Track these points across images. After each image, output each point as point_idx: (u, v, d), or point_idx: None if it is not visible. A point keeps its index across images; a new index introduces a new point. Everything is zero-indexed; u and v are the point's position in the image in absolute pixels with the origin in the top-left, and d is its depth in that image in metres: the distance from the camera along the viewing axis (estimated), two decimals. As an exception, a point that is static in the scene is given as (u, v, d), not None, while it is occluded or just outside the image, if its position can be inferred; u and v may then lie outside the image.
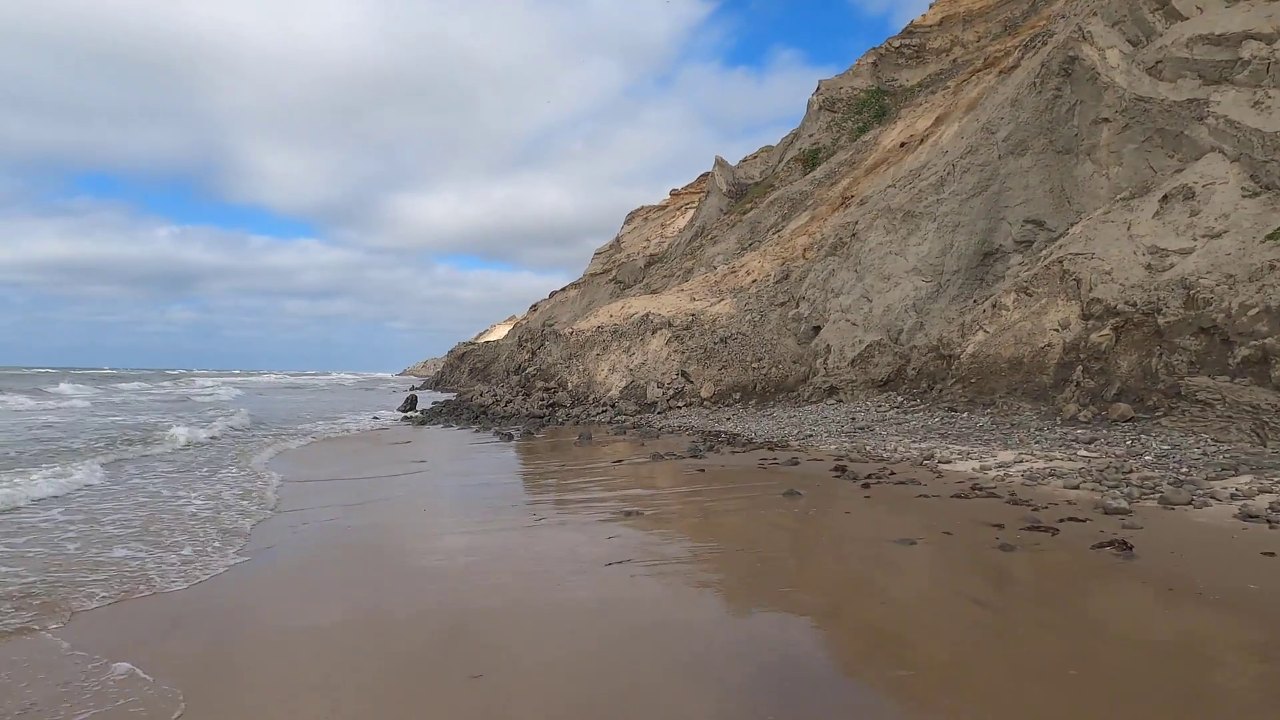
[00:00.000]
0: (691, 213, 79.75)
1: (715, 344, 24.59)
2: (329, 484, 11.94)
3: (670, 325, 26.21)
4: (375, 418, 28.86)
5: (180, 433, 17.58)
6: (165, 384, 60.98)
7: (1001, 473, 10.86)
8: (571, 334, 29.25)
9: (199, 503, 9.94)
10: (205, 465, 13.63)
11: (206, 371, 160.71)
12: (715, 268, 38.35)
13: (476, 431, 22.01)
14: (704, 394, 23.38)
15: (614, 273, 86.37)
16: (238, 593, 6.28)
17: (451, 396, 40.92)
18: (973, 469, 11.26)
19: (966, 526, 7.83)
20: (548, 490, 11.49)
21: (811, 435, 16.09)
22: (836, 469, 11.83)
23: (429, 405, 33.92)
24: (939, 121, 31.90)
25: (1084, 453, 11.44)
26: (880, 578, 6.41)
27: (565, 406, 25.34)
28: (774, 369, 23.01)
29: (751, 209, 46.82)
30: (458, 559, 7.27)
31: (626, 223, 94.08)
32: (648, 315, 27.80)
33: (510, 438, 19.68)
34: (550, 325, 49.83)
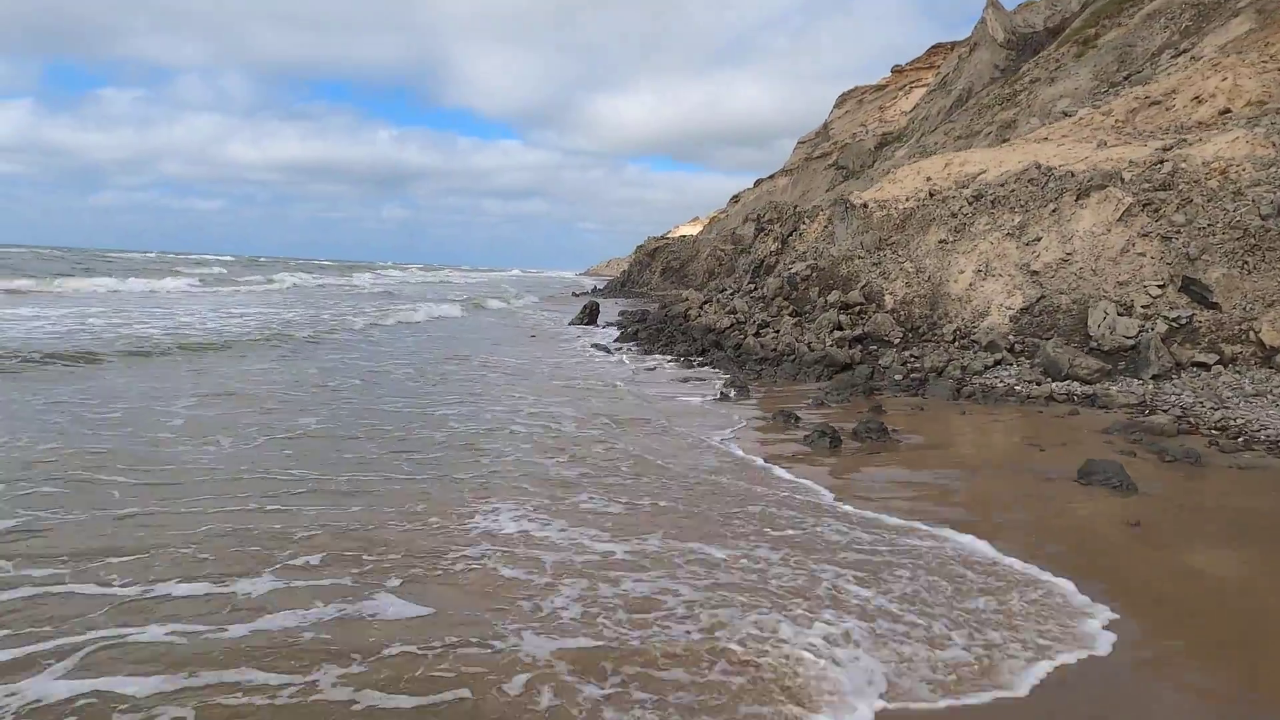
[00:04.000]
0: (919, 92, 64.74)
1: (1264, 220, 10.59)
2: None
3: (1120, 181, 12.30)
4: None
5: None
6: (427, 275, 63.14)
7: None
8: (872, 205, 15.97)
9: None
10: None
11: (438, 265, 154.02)
12: (1068, 114, 23.34)
13: (721, 399, 9.76)
14: (1269, 339, 9.66)
15: (834, 157, 72.33)
16: None
17: (648, 307, 28.31)
18: None
19: None
20: None
21: None
22: None
23: (614, 318, 22.13)
24: None
25: None
26: None
27: (892, 344, 12.40)
28: None
29: (1102, 33, 30.44)
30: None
31: (837, 106, 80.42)
32: (1042, 168, 13.98)
33: (836, 443, 7.23)
34: (770, 209, 35.72)
